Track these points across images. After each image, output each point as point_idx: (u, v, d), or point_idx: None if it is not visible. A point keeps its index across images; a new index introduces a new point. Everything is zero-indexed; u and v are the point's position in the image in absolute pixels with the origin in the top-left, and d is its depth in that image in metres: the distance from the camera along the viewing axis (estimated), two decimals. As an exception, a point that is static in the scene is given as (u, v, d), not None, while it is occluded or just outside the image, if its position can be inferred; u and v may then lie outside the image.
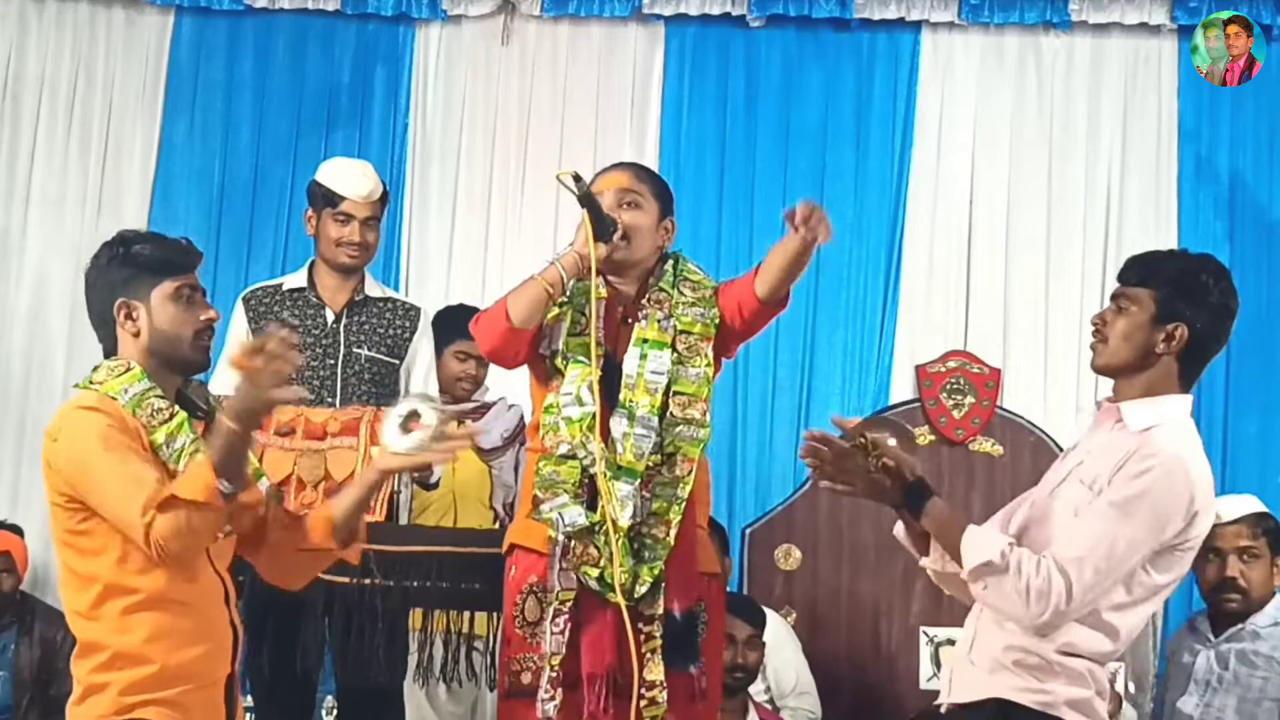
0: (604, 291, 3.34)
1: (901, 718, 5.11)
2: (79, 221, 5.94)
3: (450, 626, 3.76)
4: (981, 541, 2.80)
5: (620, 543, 3.20)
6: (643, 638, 3.23)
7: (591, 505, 3.26)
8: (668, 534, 3.27)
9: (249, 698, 4.01)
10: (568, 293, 3.32)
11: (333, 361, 3.99)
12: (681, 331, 3.36)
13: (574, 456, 3.27)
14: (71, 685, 2.82)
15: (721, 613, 3.46)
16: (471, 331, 3.43)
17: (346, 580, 3.54)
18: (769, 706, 4.77)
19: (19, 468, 5.77)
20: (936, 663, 5.23)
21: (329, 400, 3.93)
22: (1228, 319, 2.91)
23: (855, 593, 5.40)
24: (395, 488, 3.75)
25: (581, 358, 3.30)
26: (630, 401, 3.29)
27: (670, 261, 3.46)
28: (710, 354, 3.39)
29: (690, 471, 3.31)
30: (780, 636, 4.89)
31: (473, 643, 3.74)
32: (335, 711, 4.42)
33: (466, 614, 3.74)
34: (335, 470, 3.67)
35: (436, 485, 4.12)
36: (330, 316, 4.03)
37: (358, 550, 3.02)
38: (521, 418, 4.91)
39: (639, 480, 3.26)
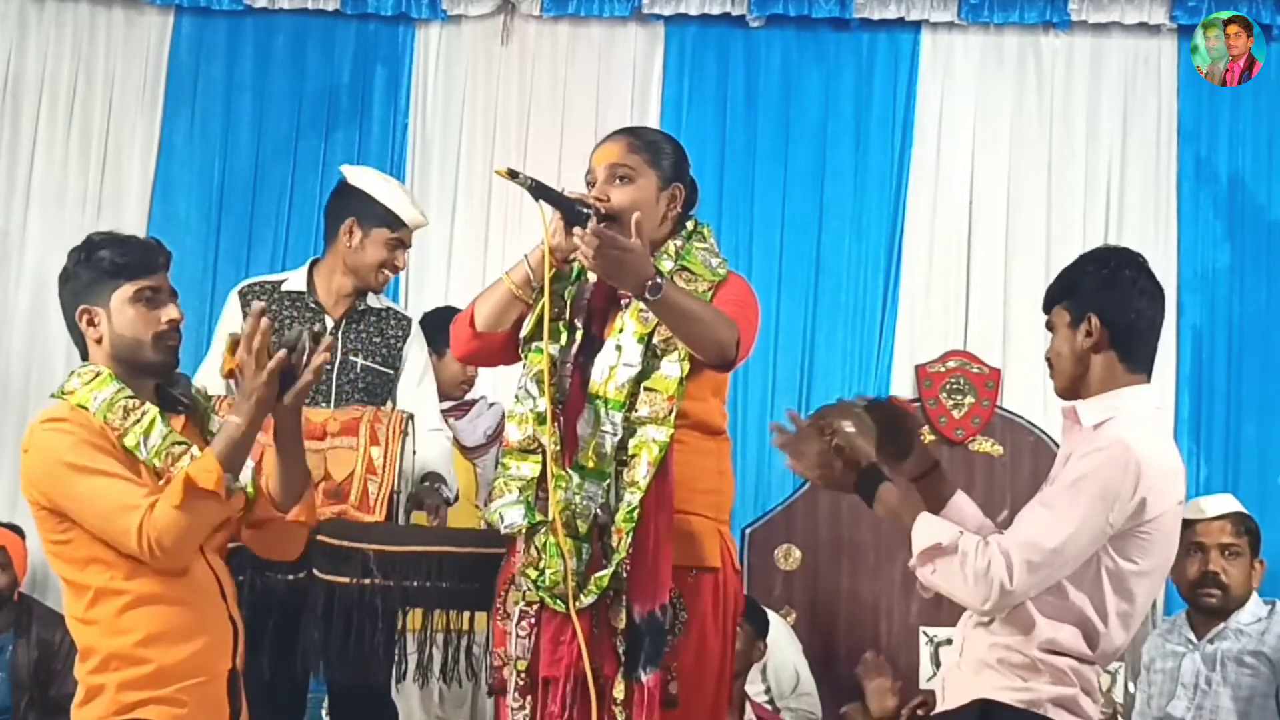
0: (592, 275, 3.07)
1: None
2: (79, 221, 5.91)
3: (450, 626, 3.76)
4: (932, 526, 2.84)
5: (564, 547, 2.92)
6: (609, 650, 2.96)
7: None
8: (620, 542, 2.93)
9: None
10: (534, 289, 3.04)
11: (328, 367, 3.96)
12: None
13: (533, 451, 3.02)
14: (70, 686, 2.84)
15: (715, 610, 3.12)
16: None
17: (347, 580, 3.54)
18: (769, 707, 4.77)
19: (19, 468, 5.75)
20: (936, 663, 5.24)
21: (323, 405, 3.92)
22: (1134, 291, 2.93)
23: (855, 593, 5.41)
24: (396, 487, 3.74)
25: (539, 345, 3.03)
26: (597, 397, 2.99)
27: (684, 235, 3.14)
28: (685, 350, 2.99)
29: (647, 476, 2.94)
30: (780, 637, 4.89)
31: (472, 643, 3.74)
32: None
33: (466, 614, 3.74)
34: (335, 470, 3.67)
35: (455, 500, 4.11)
36: (329, 323, 4.01)
37: (310, 507, 2.96)
38: (503, 415, 4.91)
39: (607, 481, 2.97)
